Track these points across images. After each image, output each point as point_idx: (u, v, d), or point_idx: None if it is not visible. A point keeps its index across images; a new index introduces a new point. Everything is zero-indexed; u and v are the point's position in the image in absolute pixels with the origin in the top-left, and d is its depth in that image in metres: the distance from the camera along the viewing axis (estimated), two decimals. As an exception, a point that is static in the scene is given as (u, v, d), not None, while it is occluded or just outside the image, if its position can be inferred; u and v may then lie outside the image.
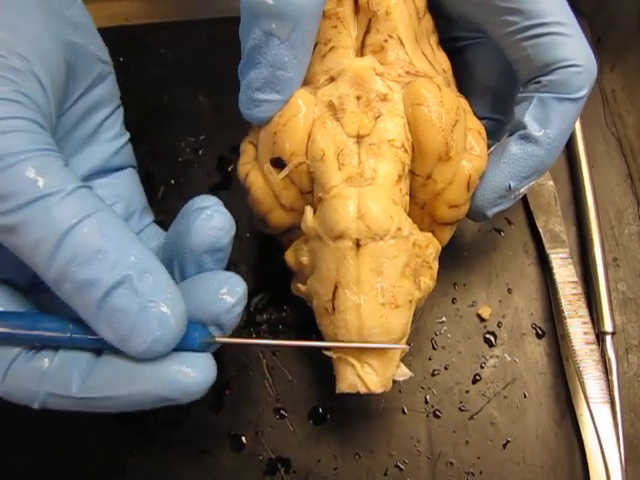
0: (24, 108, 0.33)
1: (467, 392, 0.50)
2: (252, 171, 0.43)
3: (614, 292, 0.53)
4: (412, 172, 0.40)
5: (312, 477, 0.48)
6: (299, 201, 0.42)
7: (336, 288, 0.39)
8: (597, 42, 0.63)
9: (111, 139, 0.46)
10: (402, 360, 0.41)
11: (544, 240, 0.54)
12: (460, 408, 0.50)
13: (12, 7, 0.36)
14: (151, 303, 0.32)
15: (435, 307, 0.53)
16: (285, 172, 0.40)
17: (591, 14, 0.63)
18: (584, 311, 0.50)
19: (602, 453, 0.45)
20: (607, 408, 0.47)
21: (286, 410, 0.50)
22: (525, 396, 0.50)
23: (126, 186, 0.47)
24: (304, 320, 0.52)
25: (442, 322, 0.52)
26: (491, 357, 0.51)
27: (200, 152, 0.59)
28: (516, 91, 0.45)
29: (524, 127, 0.42)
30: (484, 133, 0.43)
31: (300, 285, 0.43)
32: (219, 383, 0.49)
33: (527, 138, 0.42)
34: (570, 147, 0.58)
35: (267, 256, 0.55)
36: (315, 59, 0.42)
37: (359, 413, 0.50)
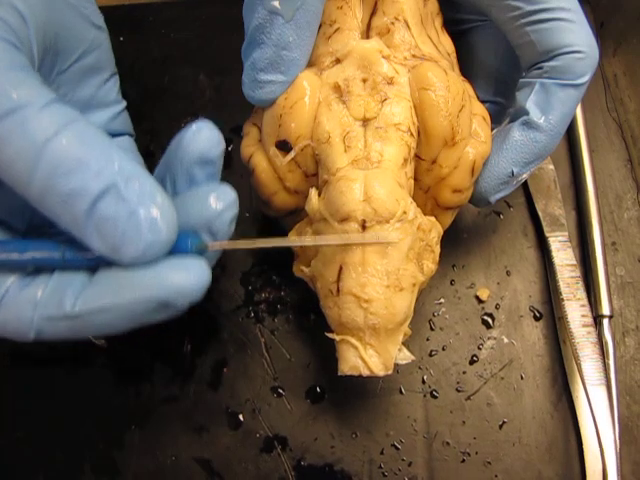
0: None
1: (464, 373, 0.51)
2: (256, 153, 0.43)
3: (612, 276, 0.54)
4: (417, 156, 0.41)
5: (309, 455, 0.49)
6: (303, 184, 0.42)
7: (341, 270, 0.39)
8: (600, 27, 0.63)
9: (107, 105, 0.46)
10: (402, 343, 0.42)
11: (543, 223, 0.54)
12: (457, 389, 0.50)
13: None
14: (140, 208, 0.32)
15: (434, 288, 0.53)
16: (291, 155, 0.40)
17: (594, -1, 0.63)
18: (582, 294, 0.50)
19: (597, 434, 0.45)
20: (603, 390, 0.47)
21: (284, 389, 0.50)
22: (522, 377, 0.50)
23: None
24: (303, 300, 0.53)
25: (440, 303, 0.53)
26: (489, 339, 0.52)
27: (200, 132, 0.59)
28: (518, 74, 0.45)
29: (526, 113, 0.42)
30: (488, 119, 0.43)
31: (303, 267, 0.43)
32: (217, 361, 0.50)
33: (529, 124, 0.42)
34: (571, 132, 0.58)
35: (266, 236, 0.55)
36: (320, 40, 0.42)
37: (357, 393, 0.50)
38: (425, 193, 0.42)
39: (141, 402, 0.50)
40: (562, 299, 0.50)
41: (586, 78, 0.41)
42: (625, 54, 0.61)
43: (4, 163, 0.31)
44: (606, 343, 0.50)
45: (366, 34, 0.42)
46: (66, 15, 0.40)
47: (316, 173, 0.41)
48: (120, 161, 0.32)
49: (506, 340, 0.52)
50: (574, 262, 0.52)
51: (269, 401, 0.50)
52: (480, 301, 0.53)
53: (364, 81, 0.39)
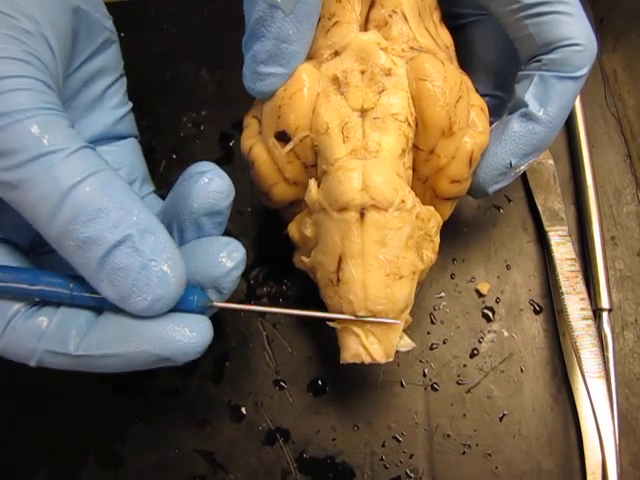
0: (32, 68, 0.34)
1: (465, 366, 0.51)
2: (256, 145, 0.43)
3: (611, 270, 0.54)
4: (415, 146, 0.41)
5: (311, 448, 0.49)
6: (303, 175, 0.42)
7: (341, 259, 0.39)
8: (600, 23, 0.63)
9: (114, 107, 0.46)
10: (404, 330, 0.42)
11: (543, 218, 0.54)
12: (458, 382, 0.50)
13: None
14: (152, 262, 0.33)
15: (434, 282, 0.53)
16: (290, 146, 0.40)
17: (594, -6, 0.63)
18: (581, 288, 0.50)
19: (597, 426, 0.46)
20: (602, 383, 0.47)
21: (286, 382, 0.51)
22: (522, 370, 0.51)
23: (127, 154, 0.47)
24: (304, 293, 0.53)
25: (441, 297, 0.53)
26: (489, 332, 0.52)
27: (202, 127, 0.60)
28: (517, 68, 0.45)
29: (525, 105, 0.42)
30: (486, 110, 0.43)
31: (303, 258, 0.43)
32: (219, 354, 0.51)
33: (528, 116, 0.42)
34: (570, 126, 0.58)
35: (268, 230, 0.55)
36: (319, 34, 0.42)
37: (358, 385, 0.50)
38: (423, 183, 0.43)
39: (144, 396, 0.50)
40: (562, 293, 0.50)
41: (585, 71, 0.41)
42: (624, 50, 0.62)
43: (29, 204, 0.32)
44: (605, 336, 0.50)
45: (364, 27, 0.42)
46: (80, 24, 0.41)
47: (315, 164, 0.41)
48: (139, 214, 0.33)
49: (506, 333, 0.52)
50: (573, 256, 0.52)
51: (271, 394, 0.50)
52: (480, 295, 0.53)
53: (362, 73, 0.39)
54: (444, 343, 0.52)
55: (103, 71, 0.45)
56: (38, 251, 0.41)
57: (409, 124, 0.39)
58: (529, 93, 0.42)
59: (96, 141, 0.45)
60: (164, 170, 0.58)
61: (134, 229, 0.33)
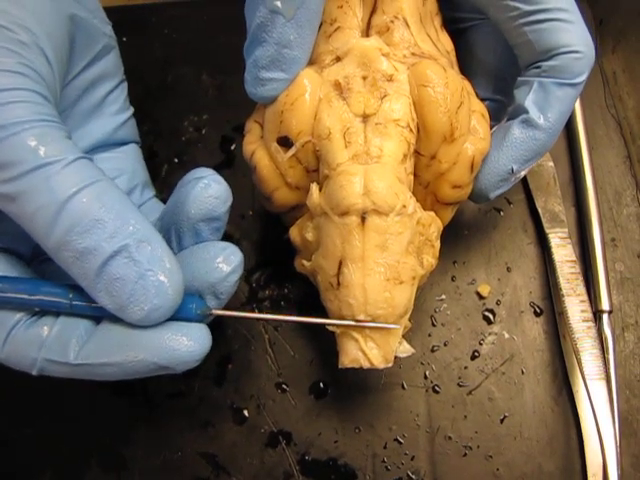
0: (28, 80, 0.34)
1: (466, 368, 0.51)
2: (258, 150, 0.43)
3: (612, 272, 0.54)
4: (417, 152, 0.41)
5: (313, 450, 0.49)
6: (304, 179, 0.42)
7: (341, 263, 0.39)
8: (599, 24, 0.63)
9: (115, 113, 0.46)
10: (403, 336, 0.42)
11: (543, 220, 0.55)
12: (459, 384, 0.51)
13: None
14: (149, 272, 0.33)
15: (435, 284, 0.54)
16: (292, 151, 0.41)
17: (593, -4, 0.63)
18: (582, 290, 0.50)
19: (597, 428, 0.46)
20: (603, 385, 0.47)
21: (288, 384, 0.51)
22: (523, 372, 0.51)
23: (129, 160, 0.47)
24: (306, 296, 0.53)
25: (442, 299, 0.53)
26: (490, 334, 0.52)
27: (203, 131, 0.60)
28: (517, 72, 0.45)
29: (525, 111, 0.42)
30: (487, 116, 0.44)
31: (304, 261, 0.43)
32: (222, 357, 0.51)
33: (529, 122, 0.42)
34: (570, 129, 0.58)
35: (270, 233, 0.55)
36: (320, 39, 0.42)
37: (359, 388, 0.51)
38: (425, 189, 0.43)
39: (147, 398, 0.51)
40: (562, 295, 0.50)
41: (583, 77, 0.42)
42: (624, 51, 0.62)
43: (27, 216, 0.32)
44: (606, 338, 0.50)
45: (366, 32, 0.42)
46: (78, 32, 0.41)
47: (317, 169, 0.42)
48: (135, 224, 0.33)
49: (507, 335, 0.52)
50: (574, 258, 0.52)
51: (273, 397, 0.51)
52: (481, 297, 0.53)
53: (364, 78, 0.40)
54: (445, 345, 0.52)
55: (103, 77, 0.45)
56: (40, 259, 0.41)
57: (411, 130, 0.39)
58: (529, 99, 0.42)
59: (97, 148, 0.45)
60: (166, 174, 0.58)
61: (131, 239, 0.33)
